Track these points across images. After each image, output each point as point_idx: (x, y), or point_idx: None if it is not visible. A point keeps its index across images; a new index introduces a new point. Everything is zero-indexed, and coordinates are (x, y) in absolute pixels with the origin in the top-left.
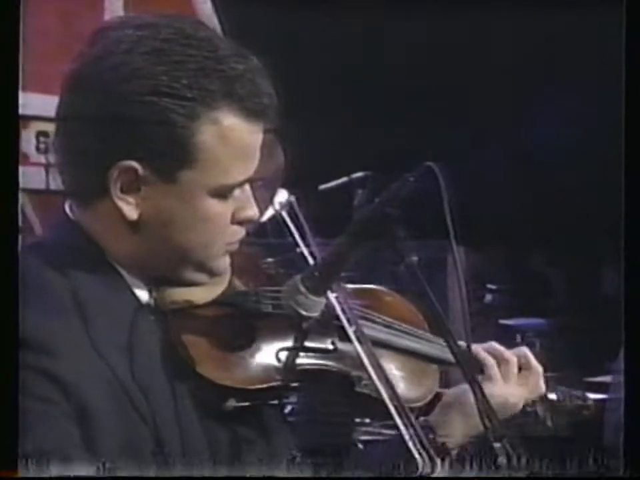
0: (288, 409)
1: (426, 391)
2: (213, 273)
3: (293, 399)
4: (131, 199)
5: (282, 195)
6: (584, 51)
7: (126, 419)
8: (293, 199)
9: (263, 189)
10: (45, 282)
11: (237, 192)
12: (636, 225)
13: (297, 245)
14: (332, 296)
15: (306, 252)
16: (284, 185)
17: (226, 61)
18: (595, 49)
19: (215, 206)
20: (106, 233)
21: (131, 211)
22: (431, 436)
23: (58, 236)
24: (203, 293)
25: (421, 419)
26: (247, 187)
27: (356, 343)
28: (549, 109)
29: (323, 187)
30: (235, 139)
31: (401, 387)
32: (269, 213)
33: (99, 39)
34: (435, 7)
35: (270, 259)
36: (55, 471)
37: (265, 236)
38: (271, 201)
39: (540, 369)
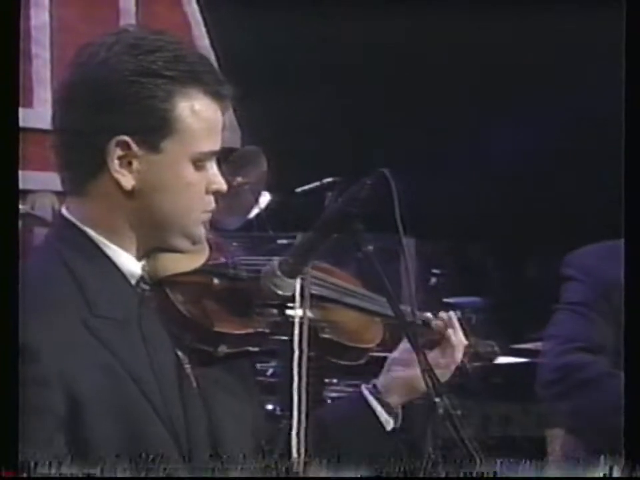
0: (270, 371)
1: (374, 335)
2: (194, 240)
3: (272, 362)
4: (125, 172)
5: (265, 197)
6: (584, 51)
7: (129, 403)
8: None
9: (249, 192)
10: (50, 277)
11: (208, 165)
12: (636, 224)
13: None
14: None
15: None
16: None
17: (189, 53)
18: (594, 48)
19: (193, 174)
20: (101, 211)
21: (127, 181)
22: (378, 396)
23: (58, 234)
24: (188, 262)
25: (371, 382)
26: (215, 164)
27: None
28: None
29: (298, 189)
30: (203, 114)
31: (353, 331)
32: (255, 211)
33: (83, 52)
34: (433, 6)
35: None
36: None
37: (251, 229)
38: (256, 201)
39: (463, 340)
